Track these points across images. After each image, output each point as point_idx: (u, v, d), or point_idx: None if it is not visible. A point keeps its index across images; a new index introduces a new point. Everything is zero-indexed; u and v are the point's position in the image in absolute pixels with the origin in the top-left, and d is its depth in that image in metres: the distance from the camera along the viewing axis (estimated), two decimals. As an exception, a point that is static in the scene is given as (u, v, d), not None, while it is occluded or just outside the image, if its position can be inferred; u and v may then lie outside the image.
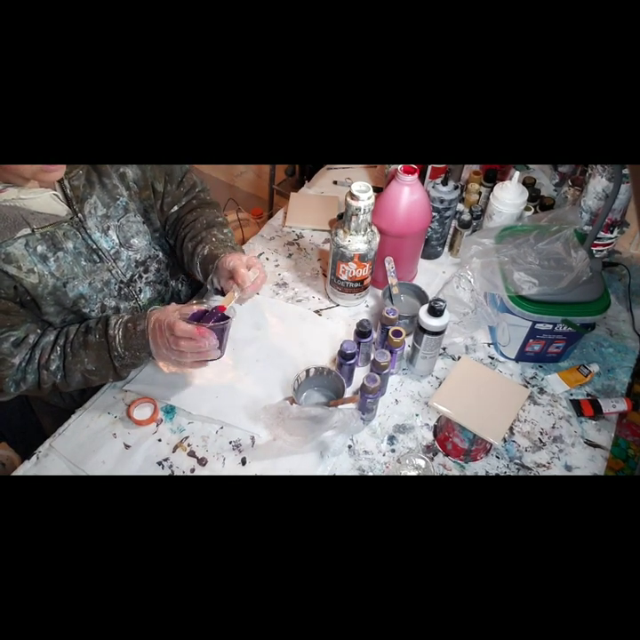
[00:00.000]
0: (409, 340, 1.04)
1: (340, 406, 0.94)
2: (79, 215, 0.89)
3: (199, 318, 0.87)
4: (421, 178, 1.28)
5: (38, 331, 0.92)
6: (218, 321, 0.86)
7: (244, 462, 0.93)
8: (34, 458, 0.93)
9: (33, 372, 0.90)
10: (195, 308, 0.88)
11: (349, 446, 0.96)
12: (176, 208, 1.07)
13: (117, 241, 0.95)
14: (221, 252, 0.96)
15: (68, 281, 0.90)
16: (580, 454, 0.96)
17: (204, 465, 0.93)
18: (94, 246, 0.92)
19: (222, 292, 0.98)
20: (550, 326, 1.00)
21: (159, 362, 0.97)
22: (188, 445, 0.95)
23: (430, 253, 1.27)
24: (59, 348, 0.90)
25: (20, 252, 0.83)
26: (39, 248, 0.85)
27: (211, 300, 1.13)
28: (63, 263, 0.88)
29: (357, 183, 1.00)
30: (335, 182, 1.49)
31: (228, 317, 0.87)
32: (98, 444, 0.94)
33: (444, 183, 1.16)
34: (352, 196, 0.99)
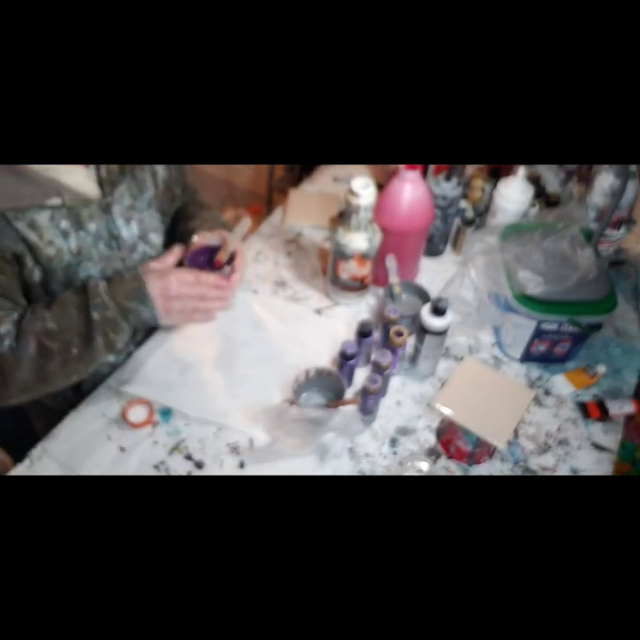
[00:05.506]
0: (411, 340, 1.02)
1: (340, 408, 0.92)
2: (108, 199, 0.87)
3: (200, 255, 0.90)
4: (424, 174, 1.26)
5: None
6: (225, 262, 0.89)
7: (242, 465, 0.91)
8: (27, 461, 0.90)
9: None
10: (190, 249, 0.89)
11: (350, 449, 0.94)
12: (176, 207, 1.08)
13: (137, 233, 0.94)
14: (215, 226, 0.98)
15: (82, 261, 0.87)
16: (586, 457, 0.94)
17: (201, 468, 0.91)
18: (116, 233, 0.91)
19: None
20: (556, 326, 0.98)
21: (161, 314, 0.84)
22: (185, 448, 0.93)
23: (433, 251, 1.24)
24: (16, 314, 0.81)
25: (44, 222, 0.81)
26: (63, 223, 0.83)
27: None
28: (83, 243, 0.86)
29: (358, 180, 0.98)
30: (336, 179, 1.47)
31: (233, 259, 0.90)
32: (92, 446, 0.92)
33: (447, 179, 1.13)
34: (352, 192, 0.97)
